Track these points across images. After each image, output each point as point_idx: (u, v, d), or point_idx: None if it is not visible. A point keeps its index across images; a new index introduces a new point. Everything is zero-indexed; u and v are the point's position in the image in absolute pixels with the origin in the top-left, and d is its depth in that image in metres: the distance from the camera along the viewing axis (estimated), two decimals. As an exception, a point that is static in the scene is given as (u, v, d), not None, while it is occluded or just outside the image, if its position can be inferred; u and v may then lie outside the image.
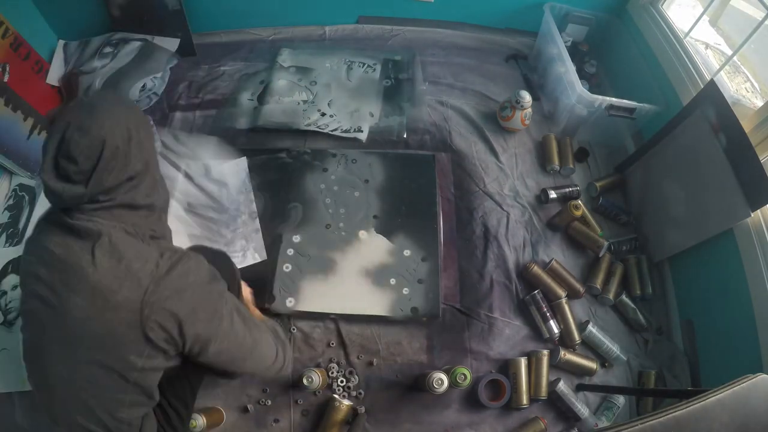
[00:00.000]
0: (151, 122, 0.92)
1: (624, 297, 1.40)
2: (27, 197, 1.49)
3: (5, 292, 1.32)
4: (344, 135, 1.60)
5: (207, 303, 0.79)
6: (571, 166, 1.61)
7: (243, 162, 1.48)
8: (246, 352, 0.86)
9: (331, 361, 1.25)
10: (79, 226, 0.73)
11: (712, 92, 1.29)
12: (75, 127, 0.71)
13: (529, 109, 1.62)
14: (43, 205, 1.46)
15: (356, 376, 1.24)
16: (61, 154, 0.71)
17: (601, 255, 1.43)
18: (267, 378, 1.17)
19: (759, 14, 1.33)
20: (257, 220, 1.39)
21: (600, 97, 1.50)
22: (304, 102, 1.69)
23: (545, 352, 1.27)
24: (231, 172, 1.45)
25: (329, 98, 1.70)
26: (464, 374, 1.16)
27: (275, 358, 0.91)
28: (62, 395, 0.77)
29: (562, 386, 1.24)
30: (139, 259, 0.74)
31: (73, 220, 0.74)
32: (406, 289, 1.32)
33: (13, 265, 1.36)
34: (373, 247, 1.38)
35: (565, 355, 1.27)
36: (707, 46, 1.71)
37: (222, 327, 0.81)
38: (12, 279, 1.34)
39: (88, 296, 0.72)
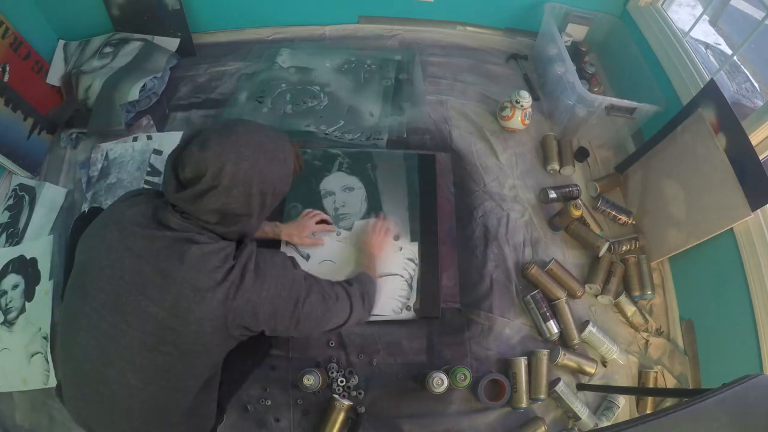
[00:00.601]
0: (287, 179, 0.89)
1: (624, 297, 1.40)
2: (27, 197, 1.49)
3: (5, 292, 1.32)
4: (365, 142, 1.60)
5: (284, 296, 0.83)
6: (571, 166, 1.61)
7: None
8: (320, 323, 0.92)
9: (331, 361, 1.25)
10: (175, 227, 0.77)
11: (712, 92, 1.29)
12: (200, 140, 0.75)
13: (529, 109, 1.62)
14: (43, 205, 1.47)
15: (356, 376, 1.23)
16: (184, 151, 0.76)
17: (601, 255, 1.43)
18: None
19: (759, 14, 1.33)
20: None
21: (600, 97, 1.50)
22: (310, 107, 1.69)
23: (545, 352, 1.27)
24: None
25: (338, 105, 1.70)
26: (464, 374, 1.16)
27: (348, 317, 0.96)
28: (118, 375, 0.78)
29: (562, 386, 1.24)
30: (220, 269, 0.76)
31: (173, 218, 0.77)
32: (405, 289, 1.32)
33: (13, 265, 1.36)
34: (373, 247, 1.38)
35: (565, 355, 1.27)
36: (707, 46, 1.71)
37: (300, 313, 0.86)
38: (12, 279, 1.34)
39: (169, 308, 0.75)
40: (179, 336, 0.76)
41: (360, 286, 1.02)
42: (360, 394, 1.22)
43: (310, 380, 1.13)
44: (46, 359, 1.21)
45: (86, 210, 1.06)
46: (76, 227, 1.07)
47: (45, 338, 1.23)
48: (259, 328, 0.82)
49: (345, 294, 0.97)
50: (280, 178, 0.84)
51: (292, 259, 0.91)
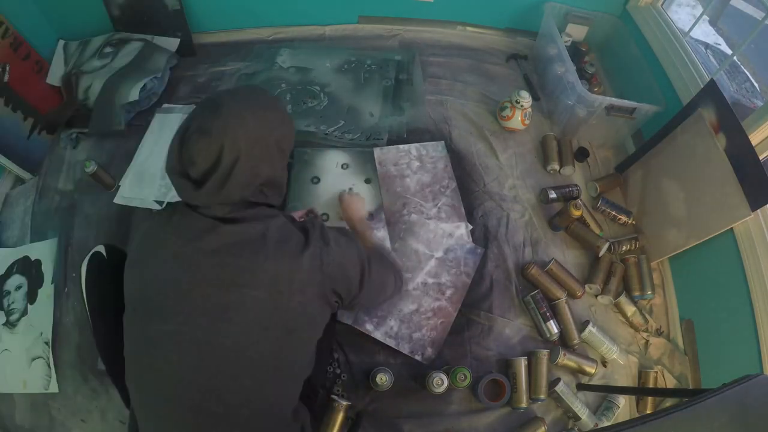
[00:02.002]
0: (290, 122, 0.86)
1: (624, 297, 1.40)
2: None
3: (9, 293, 1.32)
4: (365, 142, 1.60)
5: (356, 260, 0.87)
6: (571, 166, 1.61)
7: None
8: (380, 293, 1.02)
9: (331, 360, 1.25)
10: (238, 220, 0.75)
11: (712, 92, 1.29)
12: (196, 127, 0.71)
13: (529, 109, 1.62)
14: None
15: (355, 376, 1.23)
16: (184, 152, 0.72)
17: (601, 255, 1.43)
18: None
19: (759, 14, 1.33)
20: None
21: (600, 97, 1.50)
22: (310, 107, 1.69)
23: (545, 352, 1.27)
24: None
25: (338, 105, 1.70)
26: (464, 374, 1.16)
27: (393, 286, 1.03)
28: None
29: (562, 386, 1.24)
30: (295, 242, 0.78)
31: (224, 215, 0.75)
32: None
33: (18, 266, 1.36)
34: (373, 247, 1.38)
35: (565, 355, 1.27)
36: (707, 46, 1.71)
37: (370, 278, 0.90)
38: (16, 279, 1.34)
39: (268, 286, 0.74)
40: (285, 313, 0.75)
41: (394, 266, 1.08)
42: (360, 394, 1.22)
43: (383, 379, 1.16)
44: (48, 365, 1.20)
45: (103, 251, 0.94)
46: (93, 272, 0.92)
47: (47, 343, 1.23)
48: (349, 288, 0.86)
49: (391, 266, 1.04)
50: (282, 121, 0.81)
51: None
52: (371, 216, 1.41)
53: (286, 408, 0.81)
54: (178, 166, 0.73)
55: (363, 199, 1.39)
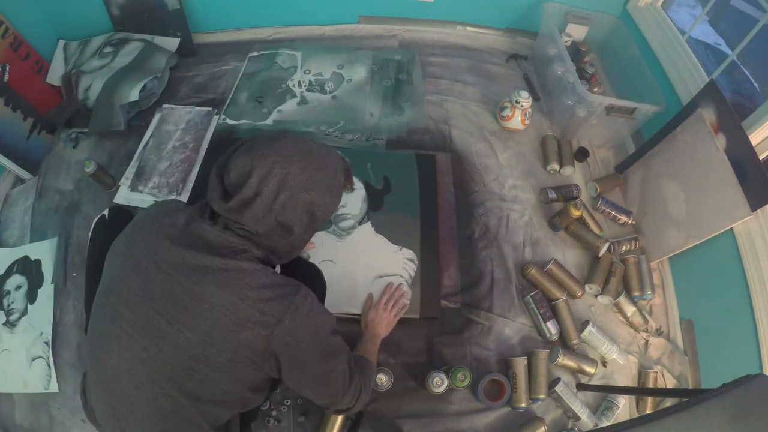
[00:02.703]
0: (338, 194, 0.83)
1: (624, 297, 1.40)
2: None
3: (8, 292, 1.32)
4: (365, 142, 1.60)
5: (321, 351, 0.78)
6: (571, 166, 1.61)
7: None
8: (323, 392, 0.84)
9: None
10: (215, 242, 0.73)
11: (712, 92, 1.29)
12: (247, 145, 0.76)
13: (529, 109, 1.62)
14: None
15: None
16: (227, 158, 0.77)
17: (601, 255, 1.43)
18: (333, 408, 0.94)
19: (759, 14, 1.33)
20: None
21: (600, 97, 1.50)
22: (310, 107, 1.69)
23: (545, 352, 1.27)
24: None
25: (338, 105, 1.70)
26: (464, 374, 1.16)
27: (338, 403, 0.86)
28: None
29: (562, 386, 1.24)
30: (268, 300, 0.71)
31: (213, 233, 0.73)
32: (405, 289, 1.32)
33: (18, 265, 1.36)
34: (372, 247, 1.38)
35: (565, 355, 1.27)
36: (707, 46, 1.71)
37: (326, 375, 0.81)
38: (16, 279, 1.33)
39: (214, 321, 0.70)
40: (211, 362, 0.71)
41: (361, 380, 0.89)
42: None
43: (383, 379, 1.15)
44: (48, 364, 1.20)
45: (107, 214, 1.02)
46: (97, 232, 1.01)
47: (47, 343, 1.23)
48: (289, 371, 0.76)
49: (357, 383, 0.87)
50: (330, 189, 0.79)
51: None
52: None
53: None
54: (222, 166, 0.77)
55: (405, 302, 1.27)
